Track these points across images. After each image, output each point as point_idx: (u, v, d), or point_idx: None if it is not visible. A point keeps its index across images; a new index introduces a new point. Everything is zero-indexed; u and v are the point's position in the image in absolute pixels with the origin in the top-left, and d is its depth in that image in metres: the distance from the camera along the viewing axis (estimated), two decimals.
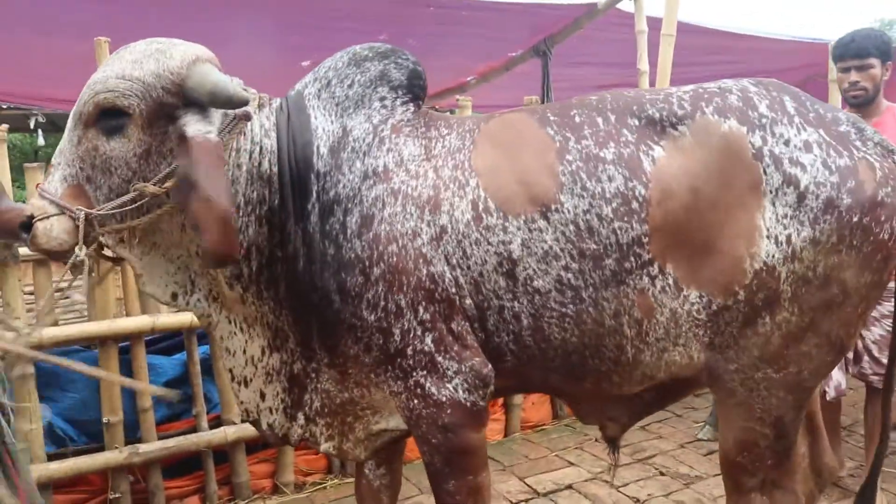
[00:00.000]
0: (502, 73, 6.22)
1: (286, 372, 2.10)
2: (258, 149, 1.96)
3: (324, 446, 2.18)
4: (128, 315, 3.46)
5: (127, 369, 3.43)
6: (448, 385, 1.93)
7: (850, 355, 3.30)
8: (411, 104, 2.10)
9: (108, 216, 1.84)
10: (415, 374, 1.94)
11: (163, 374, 3.58)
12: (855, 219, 1.85)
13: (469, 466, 2.01)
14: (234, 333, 2.09)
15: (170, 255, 2.00)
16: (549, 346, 1.97)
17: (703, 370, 2.00)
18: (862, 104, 3.30)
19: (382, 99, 2.06)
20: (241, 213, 1.94)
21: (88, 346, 3.51)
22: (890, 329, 3.25)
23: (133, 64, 1.81)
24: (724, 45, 5.82)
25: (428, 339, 1.92)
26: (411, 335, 1.91)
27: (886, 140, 1.99)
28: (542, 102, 5.08)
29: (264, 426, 2.17)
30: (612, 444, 2.35)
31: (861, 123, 1.99)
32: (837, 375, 3.23)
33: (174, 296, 2.03)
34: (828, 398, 3.22)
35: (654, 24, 4.50)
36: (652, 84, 4.46)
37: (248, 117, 1.92)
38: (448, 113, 6.95)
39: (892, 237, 1.91)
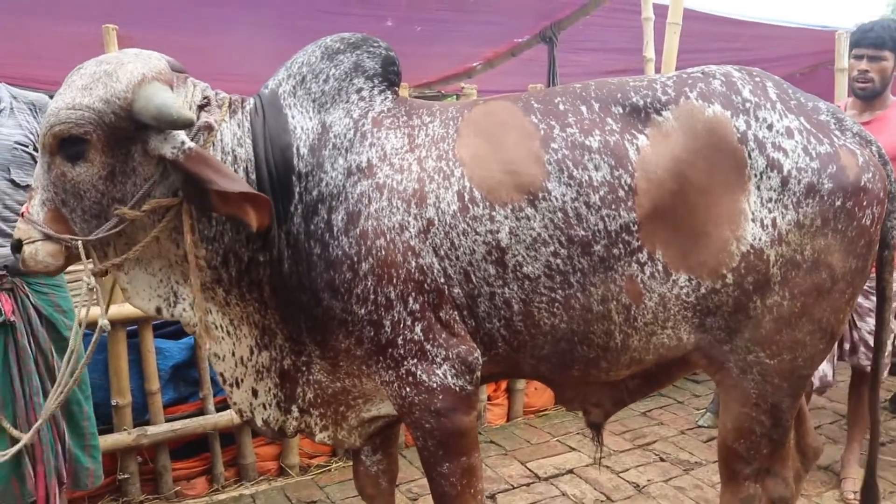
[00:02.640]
0: (508, 59, 6.22)
1: (276, 368, 2.12)
2: (230, 158, 1.94)
3: (319, 436, 2.21)
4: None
5: (135, 352, 3.48)
6: (437, 371, 1.97)
7: (847, 346, 3.34)
8: (388, 92, 2.08)
9: (96, 240, 1.88)
10: (406, 362, 1.97)
11: (170, 358, 3.62)
12: (838, 202, 1.89)
13: (462, 448, 2.05)
14: (221, 339, 2.10)
15: (151, 268, 2.01)
16: (539, 331, 2.00)
17: (693, 351, 2.05)
18: (869, 96, 3.30)
19: (359, 91, 2.04)
20: (213, 223, 1.93)
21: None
22: None
23: (82, 91, 1.81)
24: (731, 32, 5.80)
25: (417, 329, 1.95)
26: (401, 325, 1.94)
27: (865, 131, 2.04)
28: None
29: (259, 423, 2.19)
30: (596, 429, 2.40)
31: (840, 114, 2.03)
32: (824, 366, 3.25)
33: (158, 309, 2.04)
34: (813, 389, 3.26)
35: (661, 11, 4.50)
36: (657, 71, 4.47)
37: (210, 128, 1.91)
38: (453, 98, 6.95)
39: (874, 223, 1.97)
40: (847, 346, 3.32)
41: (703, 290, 1.94)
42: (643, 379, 2.23)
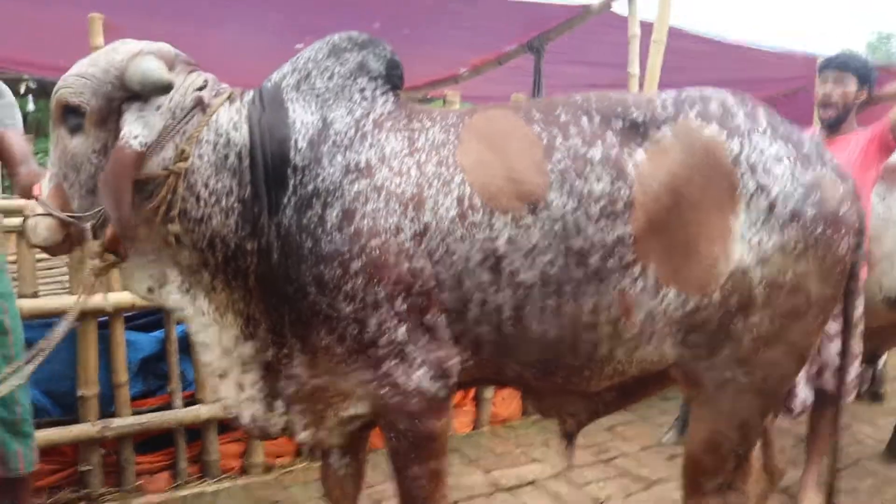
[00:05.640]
0: (494, 67, 6.23)
1: (260, 359, 2.12)
2: (223, 140, 1.96)
3: (301, 435, 2.20)
4: (108, 291, 3.48)
5: (105, 344, 3.47)
6: (415, 375, 1.98)
7: (814, 369, 3.40)
8: (391, 94, 2.11)
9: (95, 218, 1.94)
10: (385, 363, 1.98)
11: (140, 351, 3.62)
12: (818, 230, 1.96)
13: (432, 452, 2.08)
14: (208, 325, 2.10)
15: (143, 249, 2.01)
16: (528, 337, 2.02)
17: (673, 366, 2.09)
18: (833, 124, 3.39)
19: (362, 90, 2.07)
20: (201, 204, 1.95)
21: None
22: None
23: (90, 62, 1.92)
24: (715, 52, 5.86)
25: (401, 330, 1.96)
26: (386, 326, 1.95)
27: (841, 167, 2.11)
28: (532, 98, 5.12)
29: (247, 419, 2.17)
30: (569, 438, 2.43)
31: (822, 147, 2.11)
32: (803, 391, 3.31)
33: (150, 289, 2.07)
34: (793, 415, 3.31)
35: (647, 28, 4.54)
36: (641, 87, 4.52)
37: (201, 102, 1.96)
38: (440, 103, 6.96)
39: (848, 252, 2.04)
40: (814, 368, 3.37)
41: (689, 307, 1.99)
42: (619, 392, 2.26)
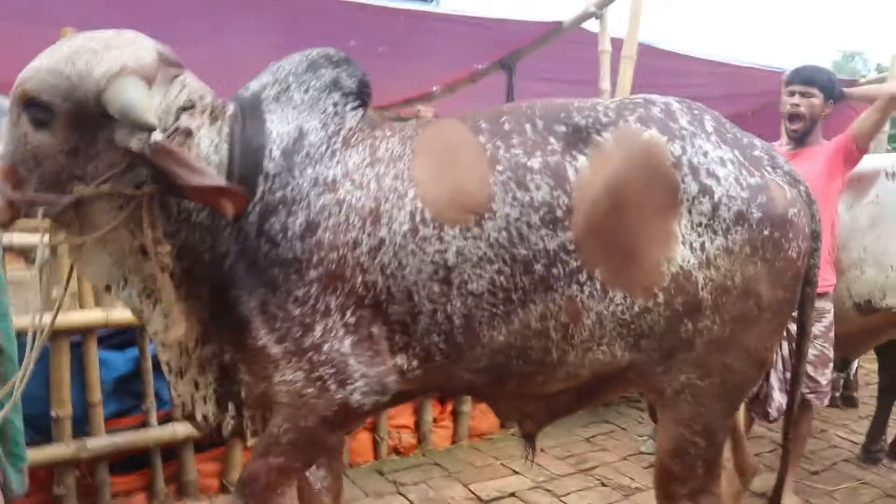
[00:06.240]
0: (467, 84, 6.29)
1: (217, 362, 2.12)
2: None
3: (251, 441, 2.20)
4: (81, 308, 3.45)
5: (77, 363, 3.42)
6: (348, 387, 1.98)
7: (787, 375, 3.44)
8: (360, 109, 2.16)
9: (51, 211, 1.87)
10: (321, 369, 1.97)
11: (113, 370, 3.57)
12: (766, 232, 1.97)
13: (308, 457, 2.12)
14: (169, 328, 2.06)
15: (109, 248, 1.99)
16: (478, 344, 2.03)
17: (628, 369, 2.10)
18: (801, 137, 3.46)
19: (335, 104, 2.11)
20: (173, 220, 1.95)
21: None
22: (822, 349, 3.41)
23: (66, 60, 1.81)
24: (683, 68, 5.95)
25: (347, 342, 1.97)
26: (332, 335, 1.96)
27: (795, 171, 2.14)
28: None
29: (199, 417, 2.18)
30: (530, 439, 2.43)
31: (773, 153, 2.14)
32: (778, 397, 3.34)
33: (108, 287, 2.05)
34: (770, 419, 3.35)
35: (618, 44, 4.61)
36: None
37: (188, 133, 1.93)
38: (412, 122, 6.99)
39: (800, 256, 2.06)
40: (788, 374, 3.41)
41: (636, 309, 2.00)
42: (577, 393, 2.27)
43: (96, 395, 3.44)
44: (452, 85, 6.34)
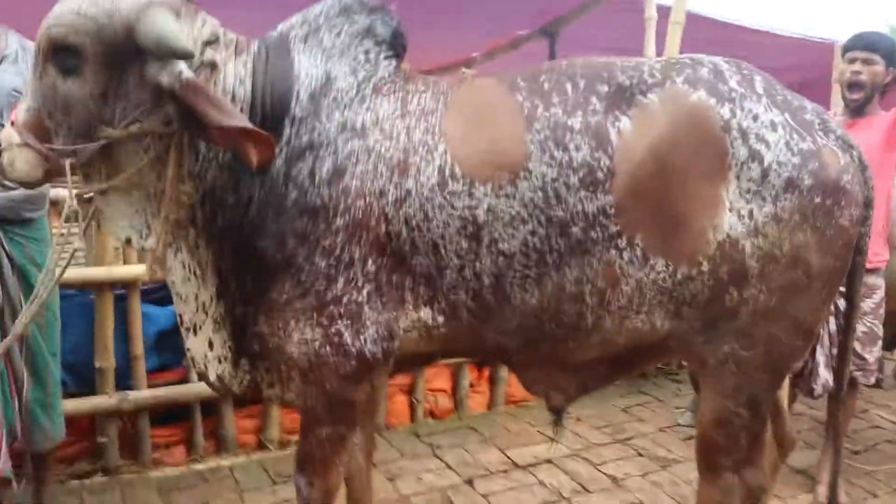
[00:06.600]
0: (508, 51, 6.20)
1: (230, 318, 2.09)
2: (229, 98, 1.93)
3: (266, 392, 2.18)
4: (125, 263, 3.49)
5: (120, 316, 3.46)
6: (363, 335, 1.97)
7: (835, 351, 3.37)
8: (393, 59, 2.11)
9: (78, 159, 1.86)
10: (339, 322, 1.96)
11: (155, 324, 3.61)
12: (817, 199, 1.90)
13: (346, 418, 2.08)
14: (188, 279, 2.07)
15: (131, 197, 1.98)
16: (508, 305, 2.00)
17: (668, 339, 2.05)
18: (860, 107, 3.35)
19: (367, 52, 2.07)
20: (201, 159, 1.93)
21: (83, 291, 3.53)
22: (871, 326, 3.34)
23: (89, 0, 1.78)
24: (731, 37, 5.80)
25: (365, 290, 1.96)
26: (352, 285, 1.95)
27: (848, 135, 2.05)
28: None
29: (213, 377, 2.16)
30: (557, 414, 2.39)
31: (825, 116, 2.05)
32: (824, 373, 3.27)
33: (129, 239, 2.03)
34: (815, 395, 3.29)
35: (664, 12, 4.52)
36: None
37: (214, 66, 1.91)
38: None
39: (853, 224, 1.98)
40: (835, 350, 3.35)
41: (679, 277, 1.95)
42: (610, 365, 2.22)
43: (139, 348, 3.48)
44: (492, 51, 6.25)
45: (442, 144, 1.96)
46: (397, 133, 1.97)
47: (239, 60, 1.98)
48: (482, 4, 5.27)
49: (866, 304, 3.31)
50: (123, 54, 1.80)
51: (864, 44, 3.33)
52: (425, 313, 2.03)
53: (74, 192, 1.90)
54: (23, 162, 1.86)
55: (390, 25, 2.12)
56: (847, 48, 3.41)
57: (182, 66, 1.78)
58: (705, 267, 1.93)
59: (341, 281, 1.94)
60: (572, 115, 1.95)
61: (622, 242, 1.94)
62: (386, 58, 2.09)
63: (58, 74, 1.81)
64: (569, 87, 2.00)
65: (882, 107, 3.46)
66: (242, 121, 1.79)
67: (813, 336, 2.12)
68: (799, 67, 6.42)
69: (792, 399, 3.60)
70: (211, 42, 1.94)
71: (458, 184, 1.92)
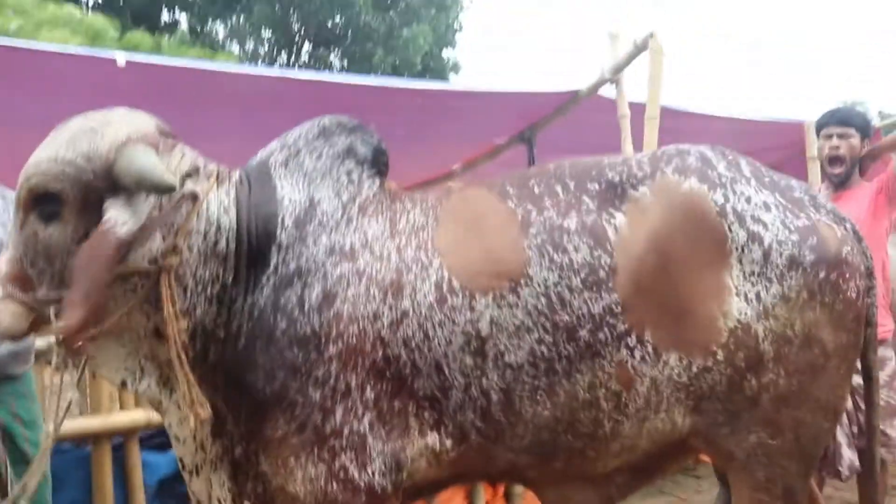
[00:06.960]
0: (487, 161, 6.32)
1: (228, 457, 2.02)
2: (213, 228, 1.92)
3: None
4: (122, 409, 3.39)
5: (119, 466, 3.34)
6: (369, 468, 1.88)
7: (855, 429, 3.28)
8: (376, 178, 2.11)
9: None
10: (343, 455, 1.88)
11: (156, 472, 3.51)
12: (822, 275, 1.89)
13: None
14: (184, 419, 1.98)
15: (121, 339, 1.93)
16: (520, 420, 1.93)
17: (690, 436, 1.99)
18: (843, 180, 3.40)
19: (349, 172, 2.06)
20: (189, 294, 1.89)
21: (79, 444, 3.42)
22: (888, 399, 3.27)
23: (66, 145, 1.79)
24: (705, 126, 5.95)
25: (366, 420, 1.88)
26: (352, 415, 1.87)
27: (838, 209, 2.08)
28: None
29: None
30: None
31: (813, 192, 2.09)
32: (848, 453, 3.19)
33: (124, 382, 1.97)
34: (843, 478, 3.18)
35: (636, 108, 4.63)
36: None
37: (195, 197, 1.90)
38: None
39: (860, 296, 1.97)
40: (855, 428, 3.26)
41: (694, 370, 1.91)
42: (632, 472, 2.14)
43: (140, 498, 3.35)
44: (473, 161, 6.37)
45: (437, 260, 1.93)
46: (388, 253, 1.94)
47: (221, 189, 1.97)
48: (459, 116, 5.38)
49: (880, 377, 3.24)
50: (100, 196, 1.79)
51: (838, 119, 3.42)
52: (432, 439, 1.95)
53: (61, 337, 1.84)
54: (7, 314, 1.81)
55: (371, 144, 2.12)
56: (821, 125, 3.50)
57: (132, 213, 1.77)
58: (720, 356, 1.89)
59: (339, 411, 1.87)
60: (566, 216, 1.94)
61: (632, 341, 1.89)
62: (369, 177, 2.08)
63: (38, 222, 1.80)
64: (559, 188, 2.00)
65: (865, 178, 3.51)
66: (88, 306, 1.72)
67: (838, 415, 2.10)
68: (774, 148, 6.56)
69: (820, 483, 3.48)
70: (190, 174, 1.93)
71: (457, 298, 1.88)
